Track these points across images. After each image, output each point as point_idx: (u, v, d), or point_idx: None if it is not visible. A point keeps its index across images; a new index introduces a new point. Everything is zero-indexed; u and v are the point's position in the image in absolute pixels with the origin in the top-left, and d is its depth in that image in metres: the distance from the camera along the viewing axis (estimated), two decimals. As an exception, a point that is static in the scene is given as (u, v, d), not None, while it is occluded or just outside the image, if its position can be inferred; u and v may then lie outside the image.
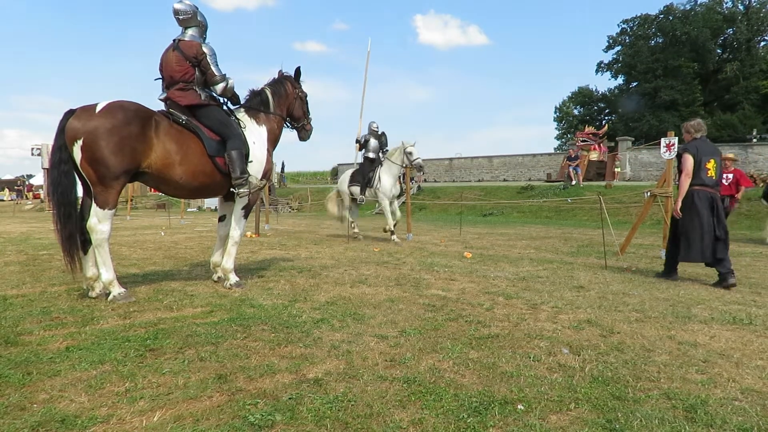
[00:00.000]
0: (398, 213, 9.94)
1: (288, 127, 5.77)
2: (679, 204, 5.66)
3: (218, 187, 5.01)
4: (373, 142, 10.21)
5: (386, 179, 9.69)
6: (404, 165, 9.68)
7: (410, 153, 9.50)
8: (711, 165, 5.62)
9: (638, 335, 3.48)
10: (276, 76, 5.61)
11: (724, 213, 6.23)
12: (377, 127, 10.32)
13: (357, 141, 10.20)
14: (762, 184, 16.68)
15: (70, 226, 4.29)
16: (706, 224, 5.47)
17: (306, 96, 5.78)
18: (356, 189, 10.08)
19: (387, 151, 10.12)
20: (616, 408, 2.32)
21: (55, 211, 4.30)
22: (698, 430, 2.13)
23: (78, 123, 4.16)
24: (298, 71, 5.67)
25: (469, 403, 2.35)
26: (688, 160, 5.63)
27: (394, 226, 9.69)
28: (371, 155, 10.15)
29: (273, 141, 5.42)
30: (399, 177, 10.02)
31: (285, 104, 5.54)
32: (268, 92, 5.42)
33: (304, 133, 5.87)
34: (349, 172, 10.51)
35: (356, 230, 10.54)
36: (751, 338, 3.45)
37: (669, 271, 5.91)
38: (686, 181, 5.64)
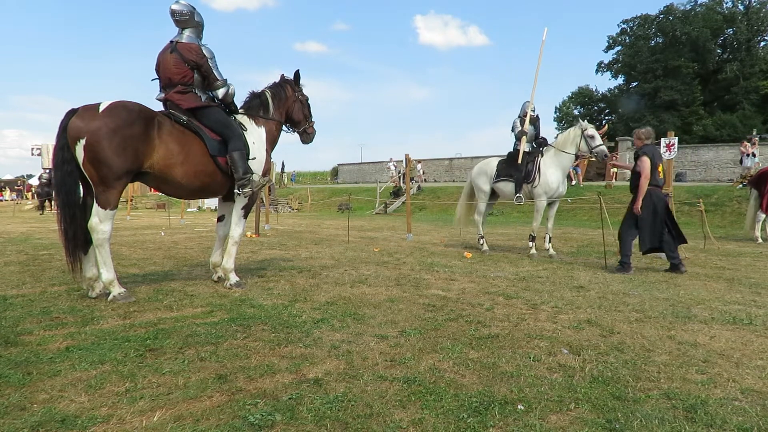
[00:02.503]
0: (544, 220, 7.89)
1: (290, 131, 5.79)
2: (639, 203, 6.22)
3: (219, 186, 5.02)
4: (528, 129, 8.05)
5: (553, 173, 7.65)
6: (580, 154, 7.65)
7: (592, 137, 7.44)
8: (660, 168, 6.37)
9: (638, 335, 3.48)
10: (278, 80, 5.63)
11: None
12: (534, 109, 8.14)
13: (517, 135, 8.05)
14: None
15: (74, 226, 4.29)
16: (659, 218, 6.22)
17: (307, 99, 5.79)
18: (507, 185, 8.02)
19: (543, 140, 8.20)
20: (616, 408, 2.32)
21: (59, 211, 4.29)
22: (698, 430, 2.13)
23: (81, 122, 4.14)
24: (297, 74, 5.68)
25: (469, 403, 2.35)
26: (647, 163, 6.20)
27: (542, 236, 7.90)
28: (526, 147, 8.00)
29: (271, 142, 5.44)
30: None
31: (284, 107, 5.56)
32: (268, 94, 5.45)
33: (306, 137, 5.88)
34: (492, 163, 8.37)
35: (484, 244, 8.36)
36: (751, 338, 3.45)
37: (626, 264, 6.34)
38: (646, 183, 6.19)
